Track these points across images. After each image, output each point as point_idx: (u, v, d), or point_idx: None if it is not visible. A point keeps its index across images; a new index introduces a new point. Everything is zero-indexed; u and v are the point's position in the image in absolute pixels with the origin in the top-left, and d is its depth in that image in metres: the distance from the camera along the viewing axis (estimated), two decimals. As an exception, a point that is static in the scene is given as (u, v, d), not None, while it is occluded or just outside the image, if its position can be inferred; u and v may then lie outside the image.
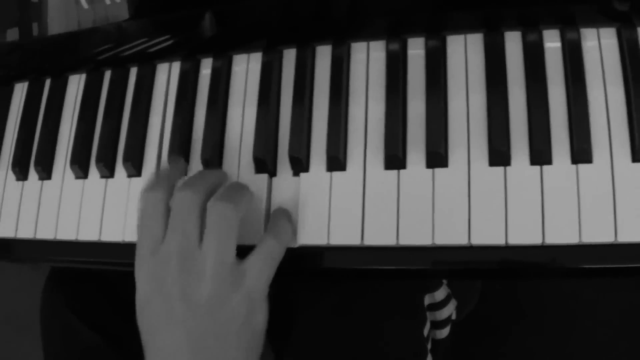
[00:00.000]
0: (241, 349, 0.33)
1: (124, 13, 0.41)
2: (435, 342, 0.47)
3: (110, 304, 0.50)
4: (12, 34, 0.46)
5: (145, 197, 0.34)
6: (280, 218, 0.36)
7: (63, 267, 0.52)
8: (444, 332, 0.47)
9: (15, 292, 0.80)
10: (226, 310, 0.32)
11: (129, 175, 0.41)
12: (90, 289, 0.51)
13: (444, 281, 0.47)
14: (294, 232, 0.36)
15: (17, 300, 0.81)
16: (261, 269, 0.33)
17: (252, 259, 0.33)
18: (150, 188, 0.34)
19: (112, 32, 0.42)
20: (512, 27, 0.38)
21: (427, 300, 0.46)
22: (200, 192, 0.33)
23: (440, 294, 0.46)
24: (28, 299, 0.86)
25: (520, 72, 0.37)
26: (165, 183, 0.34)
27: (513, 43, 0.37)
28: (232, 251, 0.33)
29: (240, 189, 0.35)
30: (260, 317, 0.34)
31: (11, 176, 0.45)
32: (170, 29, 0.42)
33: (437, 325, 0.47)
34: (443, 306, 0.46)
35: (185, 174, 0.39)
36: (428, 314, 0.46)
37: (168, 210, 0.34)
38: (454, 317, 0.47)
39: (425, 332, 0.45)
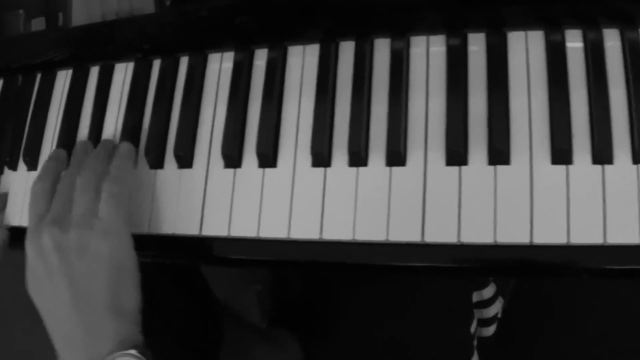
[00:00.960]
0: (108, 287, 0.37)
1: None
2: (481, 339, 0.48)
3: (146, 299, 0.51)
4: (39, 24, 0.46)
5: (33, 186, 0.41)
6: (116, 163, 0.41)
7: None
8: (490, 330, 0.48)
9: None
10: (90, 250, 0.38)
11: (180, 167, 0.42)
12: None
13: (492, 279, 0.48)
14: (351, 224, 0.37)
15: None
16: (111, 212, 0.39)
17: (102, 207, 0.39)
18: (37, 179, 0.42)
19: (149, 23, 0.43)
20: (572, 25, 0.38)
21: (475, 297, 0.47)
22: (75, 174, 0.40)
23: (488, 291, 0.47)
24: None
25: (582, 72, 0.37)
26: (49, 177, 0.42)
27: (574, 42, 0.38)
28: (91, 203, 0.39)
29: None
30: (123, 253, 0.38)
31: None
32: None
33: (483, 322, 0.48)
34: (490, 304, 0.47)
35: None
36: (475, 311, 0.47)
37: (51, 194, 0.41)
38: (500, 315, 0.49)
39: (472, 329, 0.46)
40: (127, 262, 0.39)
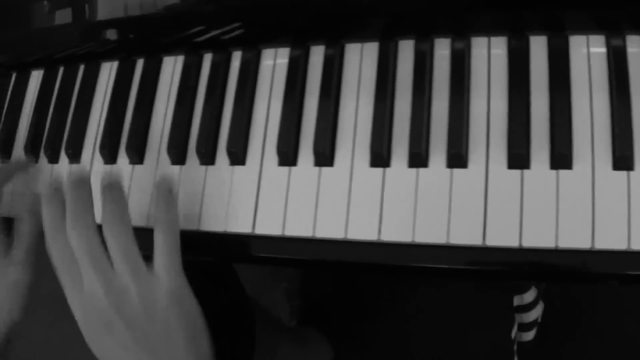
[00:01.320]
0: (188, 341, 0.37)
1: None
2: (521, 344, 0.49)
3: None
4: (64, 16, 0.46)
5: (52, 252, 0.38)
6: (159, 208, 0.38)
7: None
8: (530, 335, 0.49)
9: (55, 281, 0.80)
10: (160, 313, 0.36)
11: (231, 164, 0.42)
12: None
13: (533, 284, 0.48)
14: (410, 226, 0.37)
15: (57, 289, 0.81)
16: (168, 265, 0.37)
17: (157, 261, 0.37)
18: (49, 242, 0.38)
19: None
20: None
21: (516, 301, 0.47)
22: (89, 227, 0.37)
23: (530, 295, 0.48)
24: None
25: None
26: (59, 232, 0.37)
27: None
28: (141, 262, 0.37)
29: (116, 202, 0.38)
30: (190, 306, 0.38)
31: (98, 158, 0.45)
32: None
33: (524, 327, 0.48)
34: (531, 308, 0.48)
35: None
36: (516, 315, 0.47)
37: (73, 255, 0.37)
38: (540, 319, 0.49)
39: (513, 334, 0.46)
40: (193, 311, 0.38)
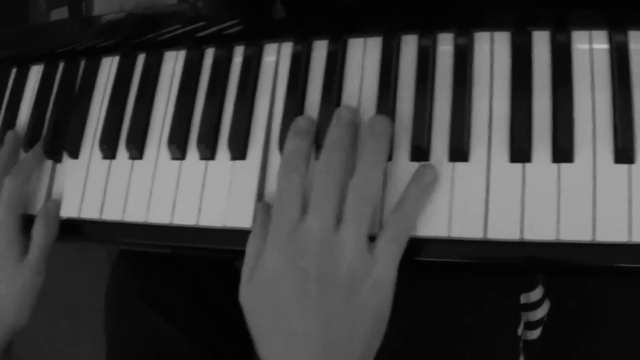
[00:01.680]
0: (364, 338, 0.34)
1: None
2: (527, 342, 0.49)
3: (189, 294, 0.50)
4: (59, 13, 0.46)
5: (283, 181, 0.36)
6: (412, 192, 0.36)
7: (136, 250, 0.52)
8: (536, 333, 0.49)
9: (62, 276, 0.80)
10: (359, 297, 0.33)
11: (233, 158, 0.42)
12: (167, 276, 0.51)
13: (540, 281, 0.48)
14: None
15: (63, 285, 0.81)
16: (390, 254, 0.34)
17: (382, 245, 0.34)
18: (286, 171, 0.36)
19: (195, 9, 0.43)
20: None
21: (523, 299, 0.47)
22: (340, 174, 0.35)
23: (536, 294, 0.48)
24: (74, 283, 0.86)
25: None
26: (302, 165, 0.36)
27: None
28: (366, 234, 0.34)
29: (377, 156, 0.35)
30: (385, 307, 0.35)
31: (97, 154, 0.45)
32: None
33: (530, 325, 0.48)
34: (538, 306, 0.48)
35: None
36: (522, 314, 0.47)
37: (304, 191, 0.35)
38: (546, 318, 0.49)
39: (519, 332, 0.46)
40: (387, 312, 0.35)
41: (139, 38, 0.45)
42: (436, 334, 0.44)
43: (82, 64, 0.48)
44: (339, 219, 0.34)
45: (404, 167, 0.39)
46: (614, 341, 0.47)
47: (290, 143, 0.37)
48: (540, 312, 0.48)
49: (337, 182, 0.34)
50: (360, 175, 0.35)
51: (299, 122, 0.38)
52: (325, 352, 0.33)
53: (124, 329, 0.50)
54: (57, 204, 0.45)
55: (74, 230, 0.45)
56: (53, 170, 0.47)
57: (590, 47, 0.39)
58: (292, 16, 0.42)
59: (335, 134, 0.36)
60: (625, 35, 0.39)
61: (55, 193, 0.46)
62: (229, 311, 0.48)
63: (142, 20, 0.45)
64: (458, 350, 0.44)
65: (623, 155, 0.37)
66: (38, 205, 0.46)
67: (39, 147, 0.46)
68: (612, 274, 0.40)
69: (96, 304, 0.54)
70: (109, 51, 0.47)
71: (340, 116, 0.37)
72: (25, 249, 0.44)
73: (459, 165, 0.38)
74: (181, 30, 0.44)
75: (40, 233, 0.43)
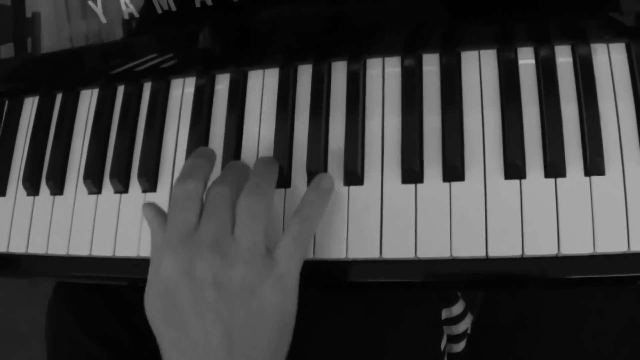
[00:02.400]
0: (272, 339, 0.34)
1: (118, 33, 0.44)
2: (452, 355, 0.50)
3: (118, 318, 0.52)
4: (7, 50, 0.49)
5: (180, 188, 0.36)
6: (310, 197, 0.37)
7: (70, 282, 0.54)
8: (460, 346, 0.50)
9: (14, 308, 0.83)
10: (258, 298, 0.33)
11: (144, 191, 0.44)
12: (98, 303, 0.53)
13: (460, 296, 0.49)
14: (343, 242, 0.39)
15: (15, 316, 0.84)
16: (291, 254, 0.35)
17: (282, 245, 0.35)
18: (183, 178, 0.36)
19: (114, 49, 0.45)
20: (525, 43, 0.41)
21: (444, 314, 0.48)
22: (233, 186, 0.36)
23: (457, 308, 0.49)
24: (26, 315, 0.89)
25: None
26: (199, 175, 0.36)
27: (525, 59, 0.40)
28: (262, 240, 0.35)
29: (265, 176, 0.37)
30: (290, 307, 0.35)
31: (22, 191, 0.47)
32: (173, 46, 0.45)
33: (453, 339, 0.49)
34: (460, 320, 0.49)
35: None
36: (445, 328, 0.48)
37: (201, 203, 0.36)
38: (469, 331, 0.50)
39: (442, 345, 0.48)
40: (292, 312, 0.35)
41: (57, 78, 0.48)
42: (357, 349, 0.46)
43: (6, 104, 0.50)
44: (233, 225, 0.35)
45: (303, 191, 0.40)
46: (543, 350, 0.48)
47: (188, 161, 0.38)
48: (463, 326, 0.49)
49: (231, 191, 0.35)
50: (251, 182, 0.36)
51: (200, 148, 0.40)
52: (225, 356, 0.32)
53: (63, 356, 0.52)
54: None
55: (2, 265, 0.47)
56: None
57: (479, 67, 0.41)
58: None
59: (231, 163, 0.39)
60: (516, 53, 0.41)
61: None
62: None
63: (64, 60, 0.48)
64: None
65: (513, 171, 0.38)
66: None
67: None
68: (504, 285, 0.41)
69: (43, 335, 0.56)
70: (30, 92, 0.49)
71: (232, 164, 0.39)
72: None
73: (352, 188, 0.39)
74: (97, 69, 0.47)
75: None
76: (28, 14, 0.46)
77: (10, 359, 0.87)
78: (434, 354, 0.47)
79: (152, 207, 0.38)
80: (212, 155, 0.39)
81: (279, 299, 0.34)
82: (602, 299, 0.48)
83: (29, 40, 0.47)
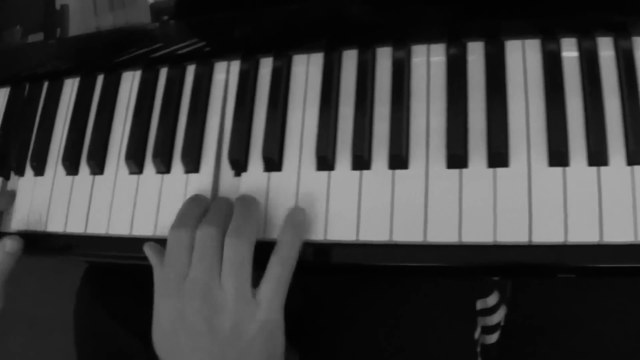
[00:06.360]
0: None
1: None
2: (484, 347, 0.52)
3: (148, 307, 0.54)
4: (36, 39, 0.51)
5: (173, 235, 0.41)
6: (286, 237, 0.41)
7: (99, 267, 0.56)
8: (493, 338, 0.52)
9: (37, 297, 0.85)
10: (246, 340, 0.38)
11: (187, 172, 0.46)
12: (128, 291, 0.55)
13: (496, 287, 0.52)
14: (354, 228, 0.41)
15: (38, 305, 0.86)
16: (272, 298, 0.39)
17: (264, 288, 0.39)
18: (177, 226, 0.41)
19: (157, 33, 0.48)
20: (568, 34, 0.43)
21: (479, 305, 0.51)
22: (220, 226, 0.40)
23: (492, 299, 0.51)
24: (49, 303, 0.91)
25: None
26: (191, 222, 0.41)
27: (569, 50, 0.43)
28: (248, 284, 0.39)
29: (246, 215, 0.41)
30: (277, 342, 0.40)
31: (61, 171, 0.50)
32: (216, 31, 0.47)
33: (487, 330, 0.52)
34: (494, 312, 0.51)
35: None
36: (479, 319, 0.51)
37: (192, 247, 0.40)
38: (502, 322, 0.52)
39: (476, 336, 0.50)
40: (278, 350, 0.40)
41: (100, 60, 0.50)
42: (389, 337, 0.48)
43: (45, 85, 0.53)
44: (221, 265, 0.39)
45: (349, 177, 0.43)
46: (563, 351, 0.50)
47: (182, 206, 0.42)
48: (497, 317, 0.51)
49: (218, 230, 0.39)
50: (234, 224, 0.40)
51: (194, 195, 0.44)
52: None
53: (92, 343, 0.54)
54: (17, 240, 0.48)
55: (40, 245, 0.50)
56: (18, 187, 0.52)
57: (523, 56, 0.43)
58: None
59: (218, 201, 0.43)
60: (559, 44, 0.43)
61: (19, 209, 0.50)
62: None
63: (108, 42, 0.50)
64: (415, 353, 0.48)
65: (557, 159, 0.40)
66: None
67: None
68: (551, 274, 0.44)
69: (72, 325, 0.58)
70: (70, 73, 0.52)
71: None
72: None
73: (398, 172, 0.42)
74: (138, 52, 0.49)
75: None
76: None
77: (33, 348, 0.89)
78: (468, 343, 0.49)
79: (152, 247, 0.43)
80: (205, 200, 0.44)
81: (264, 338, 0.39)
82: (623, 301, 0.50)
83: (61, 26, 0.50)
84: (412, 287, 0.49)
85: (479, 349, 0.50)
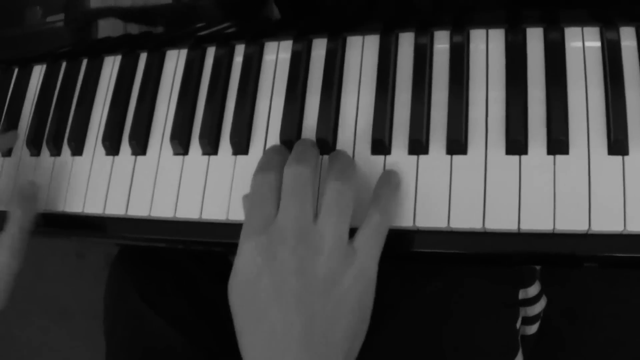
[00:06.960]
0: (348, 331, 0.35)
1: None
2: (524, 337, 0.52)
3: (183, 293, 0.53)
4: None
5: (258, 178, 0.38)
6: (385, 191, 0.39)
7: (133, 250, 0.55)
8: (533, 328, 0.52)
9: (58, 281, 0.83)
10: (340, 289, 0.34)
11: (235, 153, 0.45)
12: (162, 276, 0.54)
13: (538, 277, 0.52)
14: (412, 214, 0.41)
15: (59, 289, 0.85)
16: (371, 245, 0.36)
17: (362, 236, 0.36)
18: (262, 169, 0.38)
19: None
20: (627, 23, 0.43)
21: (521, 295, 0.50)
22: (312, 166, 0.37)
23: (534, 289, 0.51)
24: (70, 288, 0.89)
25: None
26: (276, 164, 0.38)
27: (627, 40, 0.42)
28: (347, 228, 0.36)
29: (350, 164, 0.39)
30: (368, 299, 0.36)
31: (100, 151, 0.48)
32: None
33: (527, 321, 0.51)
34: (535, 302, 0.51)
35: None
36: (520, 309, 0.50)
37: (279, 191, 0.37)
38: (542, 314, 0.52)
39: (517, 325, 0.50)
40: (370, 304, 0.36)
41: (141, 37, 0.49)
42: (432, 326, 0.47)
43: (84, 63, 0.51)
44: (315, 211, 0.36)
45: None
46: (593, 344, 0.50)
47: (266, 152, 0.40)
48: (538, 308, 0.51)
49: (311, 171, 0.37)
50: (338, 166, 0.37)
51: (275, 145, 0.42)
52: (308, 351, 0.33)
53: (124, 329, 0.53)
54: (33, 185, 0.47)
55: (78, 225, 0.48)
56: (53, 166, 0.50)
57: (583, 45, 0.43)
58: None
59: (302, 141, 0.41)
60: (619, 32, 0.43)
61: (55, 189, 0.49)
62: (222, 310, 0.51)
63: (146, 18, 0.49)
64: (457, 342, 0.47)
65: (617, 147, 0.40)
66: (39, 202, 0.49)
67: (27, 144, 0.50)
68: (605, 264, 0.44)
69: (92, 309, 0.57)
70: (111, 50, 0.50)
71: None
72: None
73: (456, 157, 0.41)
74: (182, 31, 0.48)
75: (15, 213, 0.45)
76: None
77: (53, 332, 0.87)
78: (510, 332, 0.49)
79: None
80: (287, 153, 0.41)
81: (358, 292, 0.35)
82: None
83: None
84: (453, 278, 0.49)
85: (519, 339, 0.50)
